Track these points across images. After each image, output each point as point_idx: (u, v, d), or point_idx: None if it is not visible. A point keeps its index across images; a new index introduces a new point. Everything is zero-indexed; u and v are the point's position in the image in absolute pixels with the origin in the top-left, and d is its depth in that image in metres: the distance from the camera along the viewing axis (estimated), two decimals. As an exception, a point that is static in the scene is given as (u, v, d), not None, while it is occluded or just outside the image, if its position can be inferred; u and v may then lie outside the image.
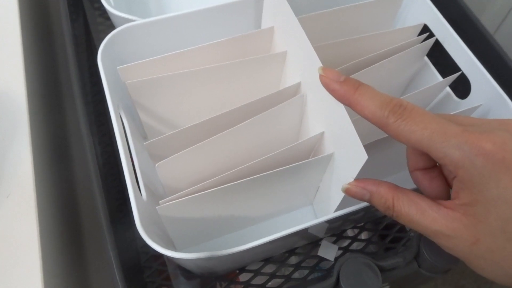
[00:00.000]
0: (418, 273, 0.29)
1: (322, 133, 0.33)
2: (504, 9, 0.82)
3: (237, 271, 0.39)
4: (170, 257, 0.27)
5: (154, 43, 0.38)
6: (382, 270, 0.29)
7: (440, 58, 0.40)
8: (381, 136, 0.31)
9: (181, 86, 0.36)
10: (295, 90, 0.35)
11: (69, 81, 0.38)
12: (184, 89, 0.36)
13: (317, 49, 0.35)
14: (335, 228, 0.40)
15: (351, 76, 0.35)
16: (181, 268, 0.39)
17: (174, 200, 0.29)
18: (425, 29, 0.39)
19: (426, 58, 0.41)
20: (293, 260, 0.40)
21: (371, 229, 0.42)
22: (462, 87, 0.38)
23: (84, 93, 0.36)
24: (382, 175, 0.41)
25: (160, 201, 0.29)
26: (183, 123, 0.39)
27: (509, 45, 0.89)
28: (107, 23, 0.53)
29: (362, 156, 0.27)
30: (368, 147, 0.31)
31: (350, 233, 0.42)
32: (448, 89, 0.40)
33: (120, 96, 0.37)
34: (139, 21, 0.36)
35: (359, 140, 0.27)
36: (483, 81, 0.35)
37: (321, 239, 0.41)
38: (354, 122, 0.28)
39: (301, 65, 0.34)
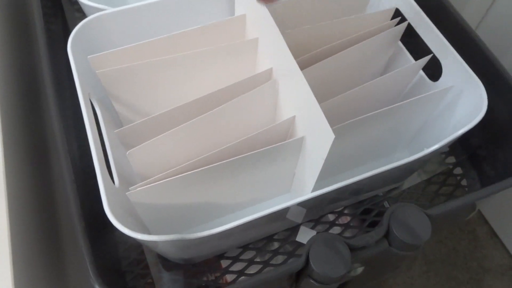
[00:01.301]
0: (389, 252, 0.30)
1: (294, 117, 0.33)
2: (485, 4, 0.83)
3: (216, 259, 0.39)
4: (139, 239, 0.27)
5: (127, 32, 0.38)
6: (352, 249, 0.29)
7: (413, 42, 0.40)
8: (355, 118, 0.32)
9: (154, 75, 0.35)
10: (267, 76, 0.35)
11: (41, 69, 0.38)
12: (157, 78, 0.36)
13: (290, 35, 0.35)
14: (313, 213, 0.41)
15: (325, 61, 0.35)
16: (160, 257, 0.39)
17: (144, 185, 0.29)
18: (398, 13, 0.40)
19: (400, 43, 0.41)
20: (272, 246, 0.40)
21: (350, 214, 0.42)
22: (434, 70, 0.38)
23: (56, 84, 0.36)
24: (357, 163, 0.42)
25: (130, 187, 0.29)
26: (157, 111, 0.39)
27: (491, 35, 0.90)
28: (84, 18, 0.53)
29: (329, 136, 0.27)
30: (341, 129, 0.32)
31: (328, 218, 0.42)
32: (421, 72, 0.40)
33: (94, 85, 0.37)
34: (109, 10, 0.36)
35: (326, 121, 0.27)
36: (454, 62, 0.35)
37: (299, 225, 0.41)
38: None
39: (272, 51, 0.34)
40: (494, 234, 1.14)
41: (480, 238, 1.15)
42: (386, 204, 0.43)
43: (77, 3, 0.48)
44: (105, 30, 0.37)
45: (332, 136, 0.27)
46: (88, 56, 0.34)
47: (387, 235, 0.30)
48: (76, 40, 0.35)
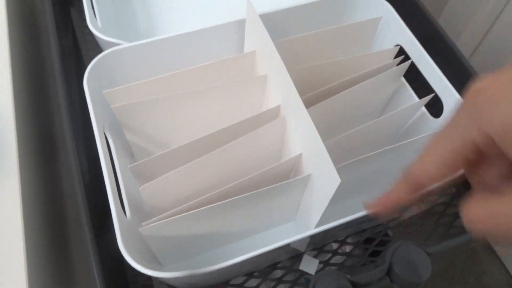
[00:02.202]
0: (391, 289, 0.31)
1: (300, 155, 0.34)
2: (481, 32, 0.86)
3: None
4: (151, 275, 0.28)
5: (141, 65, 0.40)
6: (356, 285, 0.30)
7: (416, 77, 0.42)
8: (358, 157, 0.33)
9: (166, 109, 0.37)
10: (275, 113, 0.36)
11: (57, 101, 0.39)
12: (169, 112, 0.37)
13: (296, 72, 0.36)
14: (317, 243, 0.42)
15: (331, 99, 0.36)
16: (167, 284, 0.40)
17: (157, 221, 0.30)
18: (401, 51, 0.41)
19: (403, 79, 0.43)
20: (276, 274, 0.41)
21: (352, 243, 0.43)
22: (436, 106, 0.40)
23: (71, 113, 0.37)
24: (360, 191, 0.43)
25: (143, 223, 0.30)
26: (169, 144, 0.40)
27: (483, 64, 0.92)
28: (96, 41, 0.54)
29: (335, 179, 0.28)
30: (345, 167, 0.33)
31: (331, 247, 0.43)
32: (423, 108, 0.41)
33: (108, 115, 0.38)
34: (125, 45, 0.37)
35: (331, 164, 0.29)
36: (454, 102, 0.37)
37: (303, 253, 0.42)
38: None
39: (280, 88, 0.35)
40: (492, 250, 1.15)
41: (478, 253, 1.16)
42: (390, 232, 0.44)
43: (91, 34, 0.49)
44: (119, 63, 0.39)
45: (338, 180, 0.28)
46: (104, 91, 0.35)
47: (388, 272, 0.31)
48: (92, 74, 0.36)
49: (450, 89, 0.37)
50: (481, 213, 0.18)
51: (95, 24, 0.41)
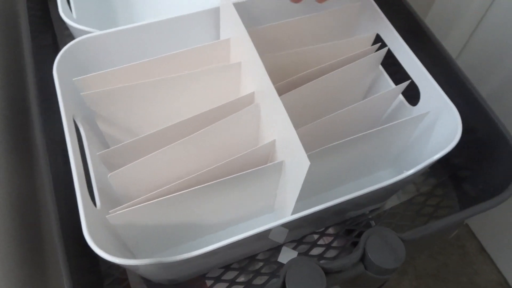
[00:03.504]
0: (365, 275, 0.30)
1: (274, 141, 0.33)
2: (466, 33, 0.87)
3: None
4: (119, 263, 0.28)
5: (115, 53, 0.39)
6: (328, 272, 0.29)
7: (394, 65, 0.41)
8: (333, 143, 0.32)
9: (139, 97, 0.36)
10: (249, 99, 0.36)
11: (29, 91, 0.38)
12: (143, 100, 0.37)
13: (271, 59, 0.36)
14: (296, 234, 0.41)
15: (306, 85, 0.36)
16: (142, 278, 0.39)
17: (124, 209, 0.30)
18: (379, 38, 0.41)
19: (381, 67, 0.42)
20: (255, 266, 0.40)
21: (332, 235, 0.43)
22: (414, 94, 0.39)
23: (41, 102, 0.36)
24: (343, 181, 0.42)
25: (110, 210, 0.29)
26: (142, 132, 0.39)
27: (471, 63, 0.93)
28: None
29: (305, 163, 0.28)
30: (319, 154, 0.32)
31: (312, 238, 0.42)
32: (401, 96, 0.41)
33: (81, 105, 0.37)
34: (96, 32, 0.37)
35: (302, 148, 0.28)
36: (431, 89, 0.36)
37: (282, 245, 0.41)
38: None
39: (254, 75, 0.35)
40: (483, 250, 1.15)
41: (470, 253, 1.16)
42: (372, 223, 0.44)
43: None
44: (92, 52, 0.38)
45: (307, 163, 0.28)
46: (74, 79, 0.34)
47: (363, 259, 0.30)
48: (63, 62, 0.36)
49: (425, 75, 0.36)
50: None
51: (68, 14, 0.40)
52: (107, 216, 0.29)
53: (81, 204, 0.29)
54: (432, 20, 0.95)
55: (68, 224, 0.32)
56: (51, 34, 0.53)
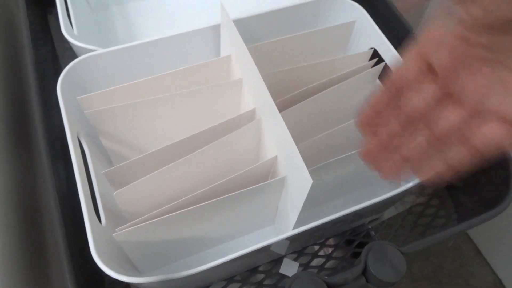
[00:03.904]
0: (367, 289, 0.31)
1: (275, 157, 0.34)
2: None
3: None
4: (125, 281, 0.28)
5: (117, 71, 0.40)
6: (331, 286, 0.30)
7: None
8: (334, 158, 0.33)
9: (141, 114, 0.37)
10: (251, 116, 0.37)
11: (32, 109, 0.39)
12: (145, 117, 0.37)
13: (271, 76, 0.37)
14: (297, 245, 0.42)
15: (305, 101, 0.36)
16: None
17: (130, 227, 0.30)
18: (376, 53, 0.42)
19: (378, 81, 0.43)
20: (257, 278, 0.41)
21: (332, 245, 0.43)
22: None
23: (45, 120, 0.37)
24: (342, 194, 0.43)
25: (117, 228, 0.30)
26: (146, 149, 0.40)
27: None
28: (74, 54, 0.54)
29: (307, 180, 0.29)
30: (320, 169, 0.33)
31: (312, 249, 0.43)
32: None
33: (85, 122, 0.38)
34: (99, 51, 0.37)
35: (304, 165, 0.29)
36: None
37: (283, 256, 0.42)
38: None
39: (254, 92, 0.35)
40: (478, 252, 1.16)
41: (465, 255, 1.17)
42: (372, 233, 0.45)
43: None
44: (95, 70, 0.38)
45: (310, 180, 0.28)
46: (77, 97, 0.35)
47: (364, 272, 0.31)
48: (66, 80, 0.36)
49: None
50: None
51: (69, 31, 0.41)
52: (113, 234, 0.30)
53: (88, 223, 0.29)
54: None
55: (73, 240, 0.33)
56: (50, 46, 0.53)
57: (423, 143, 0.22)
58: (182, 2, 0.58)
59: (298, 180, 0.31)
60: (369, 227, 0.45)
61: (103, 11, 0.56)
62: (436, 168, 0.22)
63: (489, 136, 0.20)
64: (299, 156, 0.29)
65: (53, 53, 0.53)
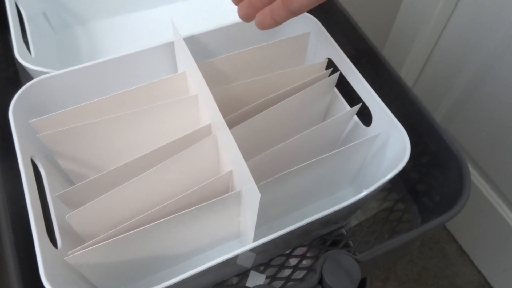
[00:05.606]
0: (324, 299, 0.31)
1: (230, 172, 0.34)
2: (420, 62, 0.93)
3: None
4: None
5: (73, 92, 0.39)
6: (288, 299, 0.30)
7: (348, 88, 0.43)
8: (290, 169, 0.34)
9: (97, 134, 0.37)
10: (207, 130, 0.37)
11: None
12: (102, 137, 0.37)
13: (223, 91, 0.37)
14: (262, 258, 0.42)
15: (259, 115, 0.37)
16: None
17: (83, 249, 0.30)
18: (331, 63, 0.43)
19: (336, 90, 0.44)
20: (224, 293, 0.41)
21: (298, 256, 0.43)
22: (367, 115, 0.41)
23: (0, 144, 0.36)
24: (306, 203, 0.43)
25: (68, 252, 0.30)
26: (105, 167, 0.40)
27: (426, 90, 1.02)
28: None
29: (256, 194, 0.29)
30: (273, 182, 0.33)
31: (278, 261, 0.43)
32: (355, 117, 0.43)
33: (41, 145, 0.37)
34: (52, 73, 0.37)
35: (252, 180, 0.29)
36: (380, 110, 0.38)
37: (250, 270, 0.42)
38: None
39: (208, 107, 0.36)
40: (462, 251, 1.17)
41: (450, 256, 1.18)
42: (338, 241, 0.45)
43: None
44: (50, 92, 0.38)
45: (258, 194, 0.29)
46: (30, 121, 0.35)
47: (321, 282, 0.31)
48: (19, 104, 0.36)
49: (374, 98, 0.38)
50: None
51: (24, 54, 0.40)
52: (65, 258, 0.29)
53: (38, 247, 0.29)
54: (391, 47, 1.01)
55: (25, 265, 0.32)
56: (12, 70, 0.53)
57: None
58: (148, 20, 0.58)
59: (249, 195, 0.31)
60: (335, 235, 0.45)
61: (66, 32, 0.56)
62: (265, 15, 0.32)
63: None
64: (248, 171, 0.29)
65: (15, 77, 0.52)
